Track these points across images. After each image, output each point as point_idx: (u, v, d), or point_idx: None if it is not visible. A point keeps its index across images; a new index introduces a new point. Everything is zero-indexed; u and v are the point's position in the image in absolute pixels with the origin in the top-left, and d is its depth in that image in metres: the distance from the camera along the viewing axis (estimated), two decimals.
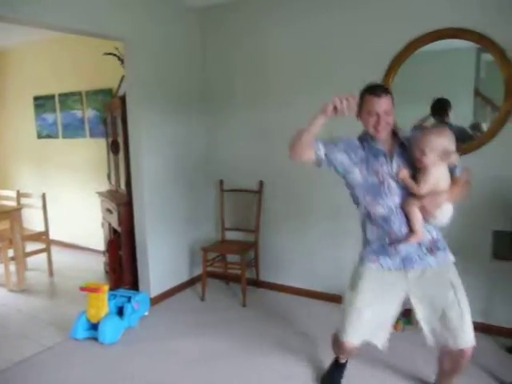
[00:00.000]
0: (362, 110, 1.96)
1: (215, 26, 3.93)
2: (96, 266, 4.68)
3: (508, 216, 2.69)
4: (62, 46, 5.01)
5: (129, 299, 3.25)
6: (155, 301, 3.65)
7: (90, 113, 5.01)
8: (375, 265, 2.06)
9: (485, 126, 2.97)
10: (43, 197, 4.43)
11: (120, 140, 3.82)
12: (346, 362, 2.52)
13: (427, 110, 3.09)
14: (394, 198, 1.96)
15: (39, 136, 5.58)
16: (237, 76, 3.89)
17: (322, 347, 2.91)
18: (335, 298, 3.54)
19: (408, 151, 1.99)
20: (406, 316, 3.14)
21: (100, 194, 4.36)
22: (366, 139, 2.03)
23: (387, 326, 2.14)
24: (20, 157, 5.86)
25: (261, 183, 3.86)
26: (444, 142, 1.89)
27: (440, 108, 3.06)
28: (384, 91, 1.93)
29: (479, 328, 3.03)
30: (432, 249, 2.02)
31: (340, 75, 3.35)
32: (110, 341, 2.98)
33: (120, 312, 3.22)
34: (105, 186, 4.54)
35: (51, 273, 4.51)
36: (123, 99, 3.60)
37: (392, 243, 2.00)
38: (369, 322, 2.09)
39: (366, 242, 2.12)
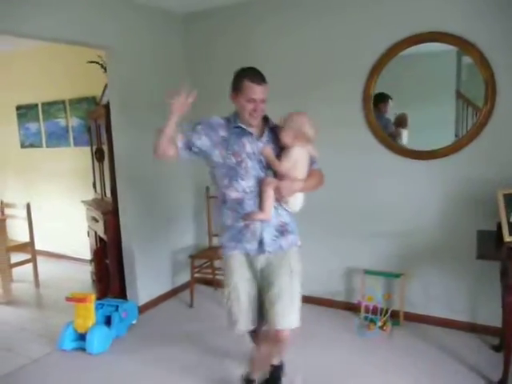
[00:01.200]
0: (239, 95, 2.00)
1: (199, 32, 3.94)
2: (83, 276, 4.62)
3: (491, 216, 2.72)
4: (44, 54, 4.97)
5: (116, 308, 3.23)
6: (143, 309, 3.63)
7: (73, 121, 4.98)
8: (236, 251, 2.11)
9: (409, 119, 3.17)
10: (28, 207, 4.38)
11: (104, 148, 3.80)
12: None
13: (410, 111, 3.16)
14: (249, 181, 2.01)
15: (22, 145, 5.52)
16: (221, 81, 3.87)
17: (313, 348, 2.92)
18: (323, 302, 3.57)
19: (277, 137, 2.06)
20: (394, 317, 3.18)
21: (85, 202, 4.32)
22: (234, 119, 2.07)
23: (256, 304, 2.16)
24: (3, 167, 5.78)
25: None
26: (301, 121, 2.01)
27: (379, 101, 3.23)
28: (263, 79, 2.00)
29: (466, 327, 3.09)
30: (283, 232, 2.10)
31: (323, 80, 3.38)
32: (98, 351, 2.95)
33: (108, 321, 3.19)
34: (90, 195, 4.51)
35: (37, 284, 4.45)
36: (107, 107, 3.59)
37: (246, 225, 2.04)
38: (249, 304, 2.12)
39: (223, 229, 2.15)
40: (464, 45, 2.87)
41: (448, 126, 3.07)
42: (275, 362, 2.45)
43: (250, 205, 2.02)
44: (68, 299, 3.05)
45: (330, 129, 3.34)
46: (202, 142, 2.03)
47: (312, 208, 3.57)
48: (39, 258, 4.68)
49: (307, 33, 3.40)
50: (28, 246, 4.48)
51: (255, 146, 2.02)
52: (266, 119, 2.13)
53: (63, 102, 5.00)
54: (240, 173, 2.00)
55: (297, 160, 2.01)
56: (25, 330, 3.43)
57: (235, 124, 2.05)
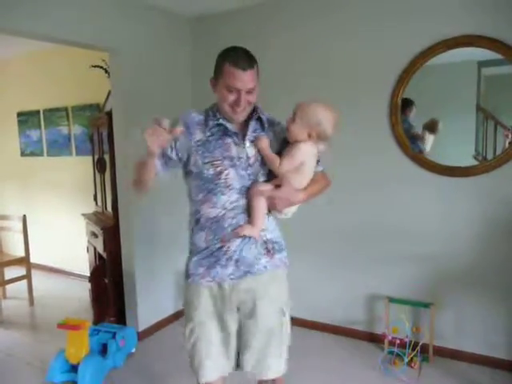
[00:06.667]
0: (218, 80, 1.56)
1: (207, 36, 3.67)
2: (81, 293, 4.32)
3: None
4: (47, 59, 4.75)
5: (113, 335, 2.92)
6: (144, 335, 3.31)
7: (76, 129, 4.72)
8: (205, 280, 1.65)
9: (441, 125, 2.87)
10: (23, 219, 4.11)
11: (107, 158, 3.53)
12: None
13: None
14: (231, 195, 1.58)
15: (23, 153, 5.27)
16: None
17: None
18: (342, 330, 3.26)
19: (267, 130, 1.66)
20: (422, 352, 2.85)
21: (85, 215, 4.04)
22: (214, 114, 1.62)
23: (233, 347, 1.71)
24: (2, 176, 5.53)
25: None
26: (322, 114, 1.56)
27: (404, 106, 2.96)
28: (250, 62, 1.53)
29: (504, 365, 2.75)
30: (268, 249, 1.67)
31: (345, 89, 3.09)
32: None
33: (104, 349, 2.89)
34: (91, 208, 4.23)
35: (32, 302, 4.16)
36: (110, 114, 3.33)
37: (222, 245, 1.61)
38: (219, 350, 1.68)
39: (192, 250, 1.72)
40: (504, 50, 2.58)
41: (468, 140, 2.84)
42: None
43: (231, 224, 1.59)
44: (60, 326, 2.73)
45: (351, 140, 3.06)
46: (177, 148, 1.61)
47: (331, 226, 3.31)
48: (36, 272, 4.44)
49: (329, 41, 3.12)
50: (23, 261, 4.20)
51: (240, 149, 1.59)
52: (255, 111, 1.66)
53: (66, 108, 4.75)
54: (219, 186, 1.58)
55: (303, 162, 1.57)
56: (12, 356, 3.12)
57: (215, 120, 1.60)
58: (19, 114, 5.20)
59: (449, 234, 2.84)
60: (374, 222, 3.07)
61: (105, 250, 3.40)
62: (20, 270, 4.22)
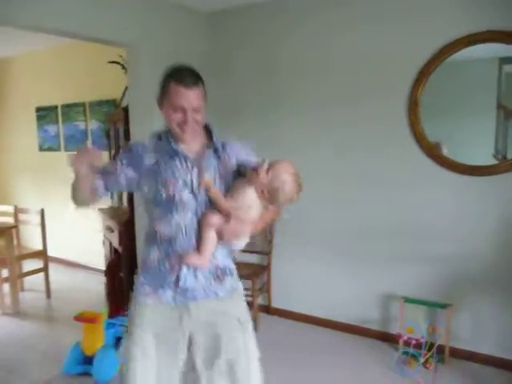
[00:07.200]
0: (164, 100, 1.54)
1: (225, 32, 3.68)
2: (97, 287, 4.37)
3: None
4: (65, 55, 4.81)
5: None
6: None
7: (93, 124, 4.77)
8: (152, 299, 1.57)
9: (446, 148, 2.85)
10: (41, 213, 4.17)
11: None
12: None
13: (455, 123, 2.86)
14: (186, 216, 1.53)
15: (41, 148, 5.35)
16: (247, 83, 3.62)
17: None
18: (355, 329, 3.23)
19: (222, 158, 1.59)
20: (438, 353, 2.81)
21: (101, 210, 4.08)
22: (166, 136, 1.57)
23: (176, 380, 1.61)
24: (20, 170, 5.63)
25: None
26: (287, 182, 1.50)
27: None
28: (195, 80, 1.50)
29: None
30: (219, 276, 1.60)
31: (363, 86, 3.07)
32: (105, 377, 2.65)
33: (119, 343, 2.91)
34: (108, 202, 4.27)
35: (49, 294, 4.23)
36: (126, 110, 3.36)
37: (172, 267, 1.54)
38: (155, 380, 1.57)
39: (143, 267, 1.62)
40: None
41: (487, 139, 2.79)
42: None
43: (183, 246, 1.53)
44: (76, 318, 2.77)
45: (369, 138, 3.04)
46: (129, 175, 1.55)
47: (347, 224, 3.28)
48: (53, 266, 4.50)
49: (348, 36, 3.10)
50: (41, 254, 4.27)
51: (189, 174, 1.53)
52: (209, 132, 1.62)
53: (83, 104, 4.81)
54: (174, 206, 1.52)
55: (251, 206, 1.53)
56: (30, 347, 3.17)
57: (167, 143, 1.55)
58: (38, 109, 5.28)
59: (467, 233, 2.80)
60: (391, 220, 3.04)
61: (120, 244, 3.43)
62: (37, 263, 4.29)
